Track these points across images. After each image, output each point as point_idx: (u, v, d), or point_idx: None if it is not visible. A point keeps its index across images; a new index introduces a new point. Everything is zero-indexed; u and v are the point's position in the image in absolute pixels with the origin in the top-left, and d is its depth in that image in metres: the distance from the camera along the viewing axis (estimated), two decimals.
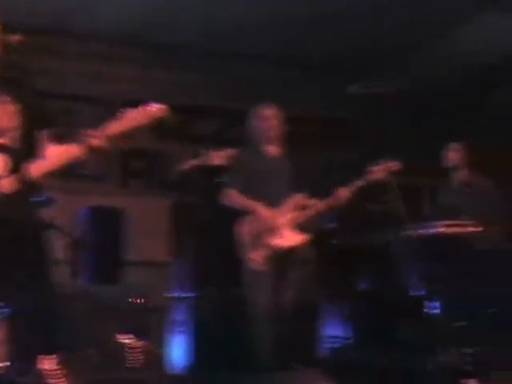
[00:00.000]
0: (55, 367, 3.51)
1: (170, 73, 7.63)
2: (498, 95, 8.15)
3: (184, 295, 6.11)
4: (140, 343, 5.25)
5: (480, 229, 5.51)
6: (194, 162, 6.37)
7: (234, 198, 5.31)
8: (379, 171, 5.38)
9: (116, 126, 3.67)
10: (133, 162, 7.78)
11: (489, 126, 7.93)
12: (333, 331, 6.24)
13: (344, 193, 5.32)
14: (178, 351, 6.09)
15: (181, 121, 7.61)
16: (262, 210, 5.22)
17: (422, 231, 5.46)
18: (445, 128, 7.38)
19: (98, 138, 3.57)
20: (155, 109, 3.67)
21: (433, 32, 7.23)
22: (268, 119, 5.39)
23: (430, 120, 8.42)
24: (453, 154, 6.19)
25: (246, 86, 7.67)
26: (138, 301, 5.91)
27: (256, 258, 5.17)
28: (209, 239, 6.15)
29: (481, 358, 5.26)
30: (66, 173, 3.72)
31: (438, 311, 5.44)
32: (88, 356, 4.91)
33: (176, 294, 6.27)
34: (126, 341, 5.22)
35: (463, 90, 8.14)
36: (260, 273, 5.14)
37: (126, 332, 5.34)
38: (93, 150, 3.57)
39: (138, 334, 5.44)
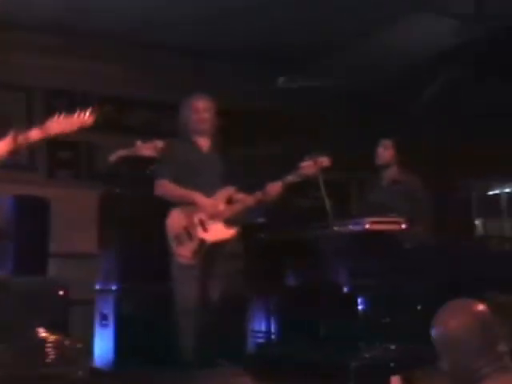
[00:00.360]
0: None
1: (99, 64, 7.52)
2: (428, 95, 8.24)
3: (110, 288, 6.02)
4: (61, 337, 5.13)
5: (407, 226, 5.55)
6: (122, 153, 6.27)
7: (168, 187, 5.23)
8: (310, 166, 5.36)
9: (38, 134, 3.63)
10: (61, 152, 7.63)
11: (419, 125, 8.02)
12: (259, 326, 6.23)
13: (274, 187, 5.29)
14: (101, 345, 6.00)
15: (111, 112, 7.51)
16: (201, 198, 5.16)
17: (350, 227, 5.47)
18: (376, 125, 7.43)
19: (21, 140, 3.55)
20: (82, 118, 3.63)
21: (363, 30, 7.28)
22: (200, 111, 5.34)
23: (362, 117, 8.47)
24: (383, 151, 6.23)
25: (176, 77, 7.61)
26: (61, 293, 5.78)
27: (184, 252, 5.11)
28: (136, 232, 6.07)
29: (405, 353, 5.30)
30: None
31: (364, 307, 5.46)
32: (4, 350, 4.77)
33: (102, 287, 6.17)
34: (46, 335, 5.10)
35: (395, 88, 8.21)
36: (187, 266, 5.08)
37: (47, 326, 5.21)
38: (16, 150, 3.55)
39: (60, 328, 5.32)
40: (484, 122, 8.09)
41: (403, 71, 8.05)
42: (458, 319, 2.29)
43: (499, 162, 9.42)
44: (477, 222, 13.30)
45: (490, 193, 15.86)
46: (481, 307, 2.31)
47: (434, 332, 2.32)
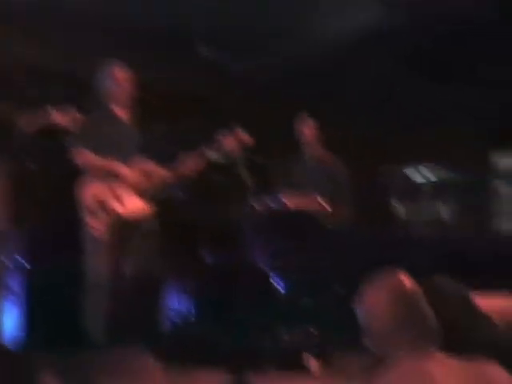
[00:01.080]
0: None
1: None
2: (355, 76, 8.20)
3: (20, 264, 5.78)
4: None
5: (328, 207, 5.49)
6: (35, 124, 6.00)
7: (88, 156, 5.01)
8: (229, 142, 5.22)
9: None
10: None
11: (345, 106, 7.99)
12: (175, 306, 6.07)
13: (192, 161, 5.15)
14: (9, 323, 5.77)
15: (22, 82, 7.23)
16: (123, 168, 4.98)
17: (270, 205, 5.36)
18: (300, 105, 7.34)
19: None
20: None
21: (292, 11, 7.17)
22: (119, 81, 5.15)
23: (286, 96, 8.38)
24: (306, 131, 6.14)
25: (93, 49, 7.38)
26: None
27: (97, 224, 4.90)
28: (49, 206, 5.84)
29: (324, 337, 5.25)
30: None
31: (283, 289, 5.38)
32: None
33: (12, 263, 5.92)
34: None
35: (321, 69, 8.14)
36: (100, 240, 4.87)
37: None
38: None
39: None
40: (408, 109, 8.13)
41: (328, 55, 7.99)
42: (382, 294, 2.21)
43: (420, 148, 9.50)
44: (396, 207, 13.49)
45: (410, 178, 16.15)
46: (407, 283, 2.23)
47: (357, 306, 2.21)
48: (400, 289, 2.19)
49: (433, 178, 15.95)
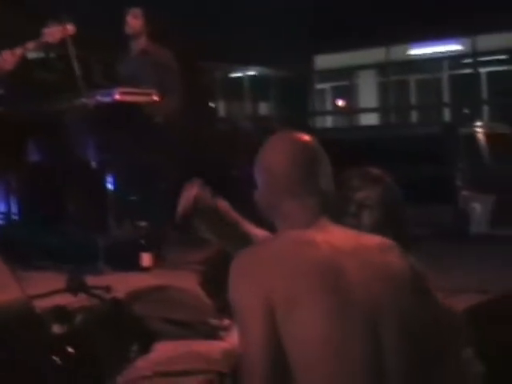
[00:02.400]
0: None
1: None
2: None
3: None
4: None
5: (158, 98, 5.36)
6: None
7: None
8: (54, 33, 4.93)
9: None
10: None
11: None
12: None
13: (11, 55, 4.84)
14: None
15: None
16: None
17: (98, 98, 5.15)
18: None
19: None
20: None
21: None
22: None
23: None
24: (132, 20, 5.89)
25: None
26: None
27: None
28: None
29: (153, 231, 5.21)
30: None
31: (112, 184, 5.25)
32: None
33: None
34: None
35: None
36: None
37: None
38: None
39: None
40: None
41: None
42: (279, 148, 2.09)
43: (241, 46, 9.46)
44: (215, 104, 13.51)
45: (232, 75, 16.22)
46: (309, 141, 2.10)
47: (256, 164, 2.12)
48: (301, 146, 2.08)
49: (254, 75, 16.11)
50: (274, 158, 2.06)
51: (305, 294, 1.89)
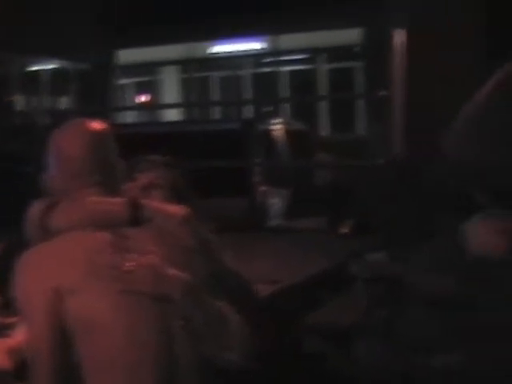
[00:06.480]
0: None
1: None
2: None
3: None
4: None
5: None
6: None
7: None
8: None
9: None
10: None
11: None
12: None
13: None
14: None
15: None
16: None
17: None
18: None
19: None
20: None
21: None
22: None
23: None
24: None
25: None
26: None
27: None
28: None
29: None
30: None
31: None
32: None
33: None
34: None
35: None
36: None
37: None
38: None
39: None
40: None
41: None
42: (70, 133, 2.14)
43: (38, 39, 9.19)
44: (12, 98, 13.01)
45: (31, 69, 15.67)
46: (99, 128, 2.16)
47: (49, 148, 2.16)
48: (91, 132, 2.13)
49: (54, 69, 15.66)
50: (65, 143, 2.11)
51: (90, 284, 1.94)
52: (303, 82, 16.28)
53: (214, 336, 2.06)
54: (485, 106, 1.56)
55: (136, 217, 2.01)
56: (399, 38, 5.23)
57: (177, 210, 2.13)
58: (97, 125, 2.16)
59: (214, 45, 16.88)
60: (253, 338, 2.21)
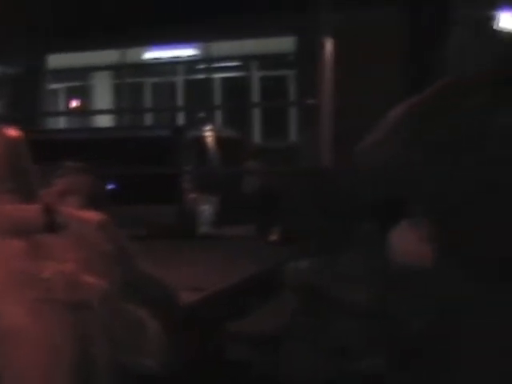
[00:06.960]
0: None
1: None
2: None
3: None
4: None
5: None
6: None
7: None
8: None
9: None
10: None
11: None
12: None
13: None
14: None
15: None
16: None
17: None
18: None
19: None
20: None
21: None
22: None
23: None
24: None
25: None
26: None
27: None
28: None
29: None
30: None
31: None
32: None
33: None
34: None
35: None
36: None
37: None
38: None
39: None
40: None
41: None
42: None
43: None
44: None
45: None
46: (9, 134, 2.15)
47: None
48: (2, 141, 2.12)
49: None
50: None
51: (5, 292, 1.93)
52: (236, 89, 16.33)
53: (132, 342, 2.07)
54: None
55: (51, 223, 2.00)
56: (329, 47, 5.32)
57: (92, 215, 2.13)
58: (8, 132, 2.15)
59: (147, 51, 16.80)
60: (172, 345, 2.23)
